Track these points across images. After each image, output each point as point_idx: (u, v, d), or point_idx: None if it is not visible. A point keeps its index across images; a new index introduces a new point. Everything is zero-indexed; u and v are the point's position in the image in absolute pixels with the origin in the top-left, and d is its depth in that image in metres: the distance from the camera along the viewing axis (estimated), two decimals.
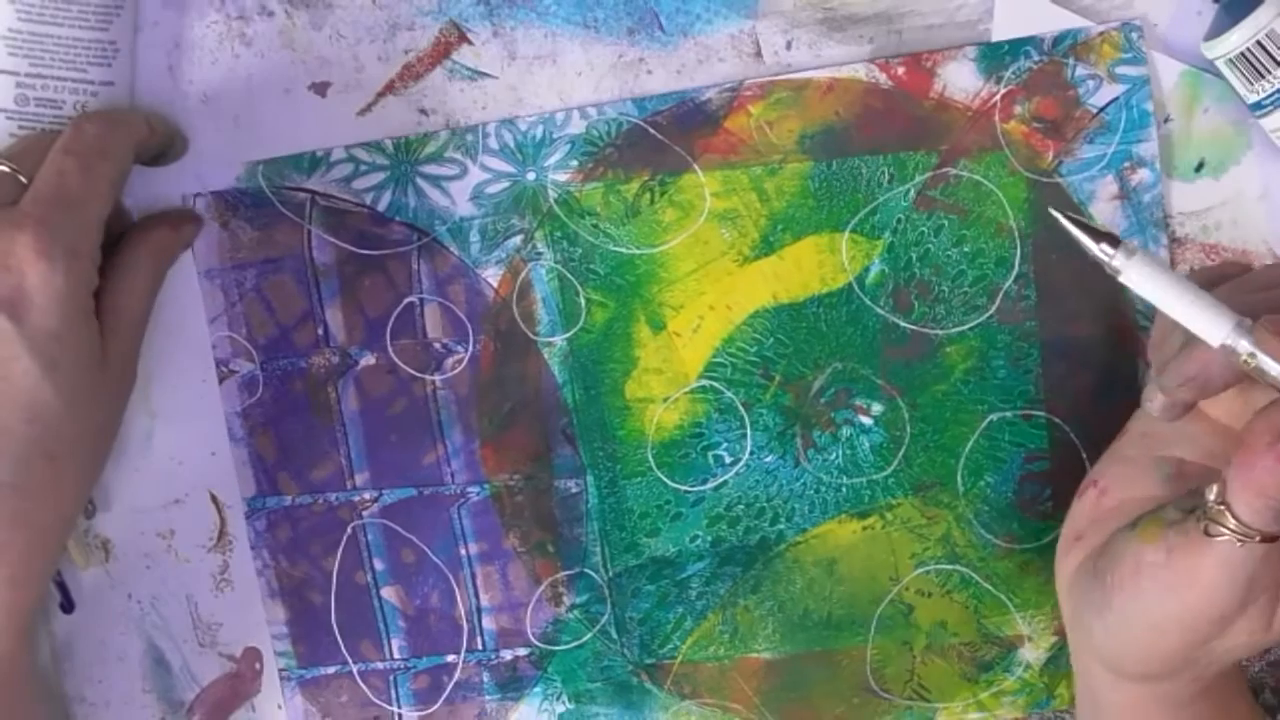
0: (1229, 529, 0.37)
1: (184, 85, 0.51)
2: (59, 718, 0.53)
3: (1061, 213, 0.39)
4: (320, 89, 0.51)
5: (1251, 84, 0.48)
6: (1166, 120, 0.50)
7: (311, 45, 0.51)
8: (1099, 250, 0.38)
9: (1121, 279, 0.38)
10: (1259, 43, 0.47)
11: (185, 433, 0.52)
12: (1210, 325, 0.37)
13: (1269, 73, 0.47)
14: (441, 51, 0.51)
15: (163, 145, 0.50)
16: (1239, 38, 0.47)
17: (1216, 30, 0.48)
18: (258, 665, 0.53)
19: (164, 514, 0.53)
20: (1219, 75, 0.49)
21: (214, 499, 0.53)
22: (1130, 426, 0.46)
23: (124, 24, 0.50)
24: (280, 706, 0.53)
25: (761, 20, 0.50)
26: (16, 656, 0.46)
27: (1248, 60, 0.47)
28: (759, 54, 0.50)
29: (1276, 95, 0.47)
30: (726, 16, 0.50)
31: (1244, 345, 0.36)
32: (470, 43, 0.51)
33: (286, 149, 0.51)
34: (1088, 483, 0.45)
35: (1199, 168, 0.51)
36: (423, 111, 0.51)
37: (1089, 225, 0.38)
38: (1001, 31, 0.50)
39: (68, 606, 0.53)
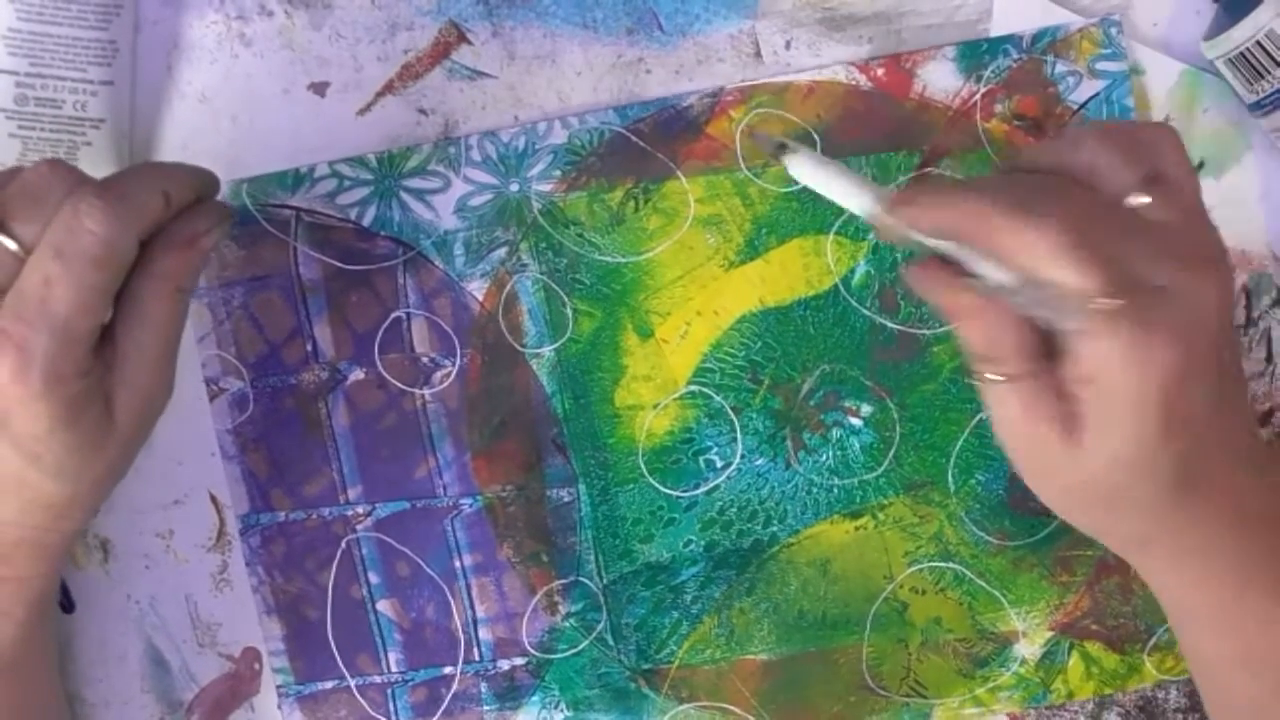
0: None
1: (183, 85, 0.51)
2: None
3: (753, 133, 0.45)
4: (319, 89, 0.51)
5: (1251, 84, 0.48)
6: (1166, 120, 0.50)
7: (311, 45, 0.51)
8: (773, 152, 0.42)
9: (791, 172, 0.42)
10: (1259, 43, 0.47)
11: (185, 433, 0.52)
12: (858, 201, 0.41)
13: (1269, 73, 0.47)
14: (441, 51, 0.51)
15: (185, 205, 0.44)
16: (1239, 37, 0.47)
17: (1216, 30, 0.48)
18: (256, 665, 0.54)
19: (163, 514, 0.53)
20: (1219, 75, 0.49)
21: (213, 499, 0.53)
22: None
23: (124, 23, 0.50)
24: (279, 708, 0.53)
25: (761, 20, 0.50)
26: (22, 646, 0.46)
27: (1247, 60, 0.47)
28: (758, 54, 0.50)
29: (1276, 95, 0.47)
30: (726, 16, 0.50)
31: (881, 215, 0.40)
32: (470, 43, 0.51)
33: (285, 149, 0.51)
34: None
35: (1199, 167, 0.51)
36: (422, 111, 0.51)
37: (769, 138, 0.42)
38: (1001, 31, 0.50)
39: (68, 606, 0.53)
